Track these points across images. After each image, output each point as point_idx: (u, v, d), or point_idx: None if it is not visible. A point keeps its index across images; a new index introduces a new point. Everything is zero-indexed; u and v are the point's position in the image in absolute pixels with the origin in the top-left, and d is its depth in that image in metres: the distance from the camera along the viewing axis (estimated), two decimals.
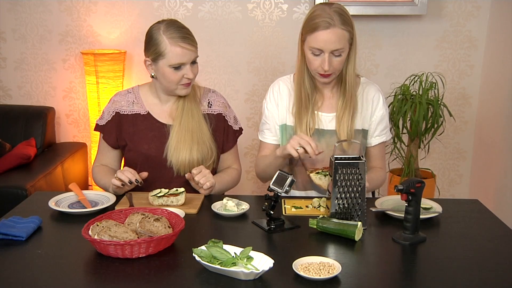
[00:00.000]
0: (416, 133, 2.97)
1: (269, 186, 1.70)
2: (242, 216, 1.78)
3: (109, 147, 2.11)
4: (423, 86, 2.99)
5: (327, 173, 1.87)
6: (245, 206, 1.81)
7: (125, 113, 2.08)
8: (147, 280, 1.37)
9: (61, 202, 1.87)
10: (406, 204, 1.59)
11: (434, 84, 3.00)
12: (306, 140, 1.82)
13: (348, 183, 1.67)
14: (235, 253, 1.41)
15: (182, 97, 2.06)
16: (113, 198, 1.89)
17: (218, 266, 1.37)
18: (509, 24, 2.99)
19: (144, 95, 2.11)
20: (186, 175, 2.00)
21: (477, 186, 3.39)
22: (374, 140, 2.08)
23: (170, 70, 1.94)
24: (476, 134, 3.40)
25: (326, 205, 1.80)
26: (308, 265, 1.39)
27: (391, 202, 1.89)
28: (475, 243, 1.60)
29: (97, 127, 2.12)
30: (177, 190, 1.87)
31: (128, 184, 1.88)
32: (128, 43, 3.34)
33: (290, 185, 1.67)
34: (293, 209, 1.85)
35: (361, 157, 1.68)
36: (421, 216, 1.63)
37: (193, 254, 1.41)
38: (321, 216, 1.67)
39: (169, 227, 1.56)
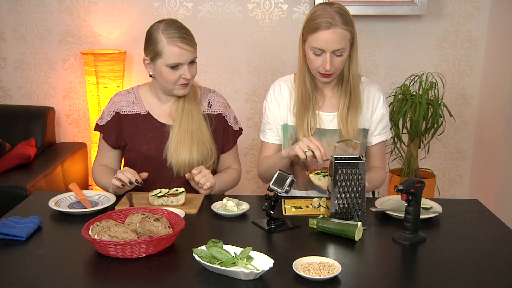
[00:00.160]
0: (416, 133, 2.97)
1: (269, 186, 1.70)
2: (242, 216, 1.78)
3: (109, 147, 2.11)
4: (423, 86, 2.99)
5: (326, 173, 1.87)
6: (245, 206, 1.81)
7: (125, 113, 2.08)
8: (147, 280, 1.37)
9: (61, 202, 1.87)
10: (406, 204, 1.59)
11: (434, 84, 3.00)
12: (316, 145, 1.81)
13: (348, 183, 1.67)
14: (235, 253, 1.41)
15: (182, 97, 2.05)
16: (113, 198, 1.89)
17: (218, 266, 1.37)
18: (509, 24, 2.99)
19: (144, 95, 2.11)
20: (186, 175, 2.00)
21: (477, 186, 3.39)
22: (374, 139, 2.09)
23: (167, 70, 1.94)
24: (476, 134, 3.41)
25: (326, 205, 1.80)
26: (308, 265, 1.39)
27: (391, 202, 1.89)
28: (475, 243, 1.60)
29: (97, 127, 2.12)
30: (177, 190, 1.87)
31: (128, 184, 1.88)
32: (128, 43, 3.34)
33: (290, 185, 1.67)
34: (293, 209, 1.85)
35: (361, 157, 1.68)
36: (421, 216, 1.63)
37: (193, 254, 1.41)
38: (321, 216, 1.67)
39: (169, 227, 1.56)
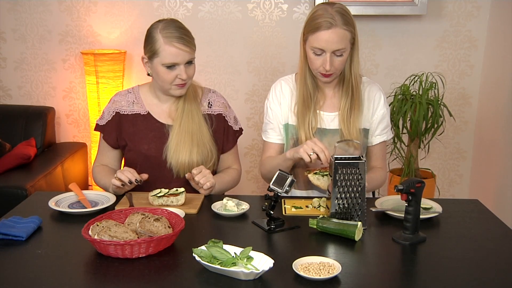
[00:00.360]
0: (416, 133, 2.97)
1: (269, 186, 1.70)
2: (242, 216, 1.78)
3: (109, 147, 2.11)
4: (423, 86, 2.99)
5: (325, 173, 1.87)
6: (245, 206, 1.81)
7: (125, 113, 2.08)
8: (147, 280, 1.37)
9: (61, 202, 1.87)
10: (406, 204, 1.59)
11: (434, 84, 3.00)
12: (321, 148, 1.81)
13: (348, 183, 1.67)
14: (235, 253, 1.41)
15: (182, 97, 2.05)
16: (113, 198, 1.89)
17: (218, 266, 1.37)
18: (509, 24, 2.99)
19: (144, 95, 2.11)
20: (186, 175, 2.00)
21: (477, 186, 3.39)
22: (375, 139, 2.09)
23: (163, 69, 1.94)
24: (476, 134, 3.41)
25: (326, 205, 1.80)
26: (308, 265, 1.39)
27: (391, 202, 1.89)
28: (475, 243, 1.60)
29: (97, 127, 2.12)
30: (177, 190, 1.87)
31: (128, 184, 1.88)
32: (128, 43, 3.34)
33: (290, 185, 1.67)
34: (293, 209, 1.85)
35: (361, 157, 1.68)
36: (421, 216, 1.63)
37: (193, 254, 1.41)
38: (321, 216, 1.67)
39: (169, 227, 1.56)
